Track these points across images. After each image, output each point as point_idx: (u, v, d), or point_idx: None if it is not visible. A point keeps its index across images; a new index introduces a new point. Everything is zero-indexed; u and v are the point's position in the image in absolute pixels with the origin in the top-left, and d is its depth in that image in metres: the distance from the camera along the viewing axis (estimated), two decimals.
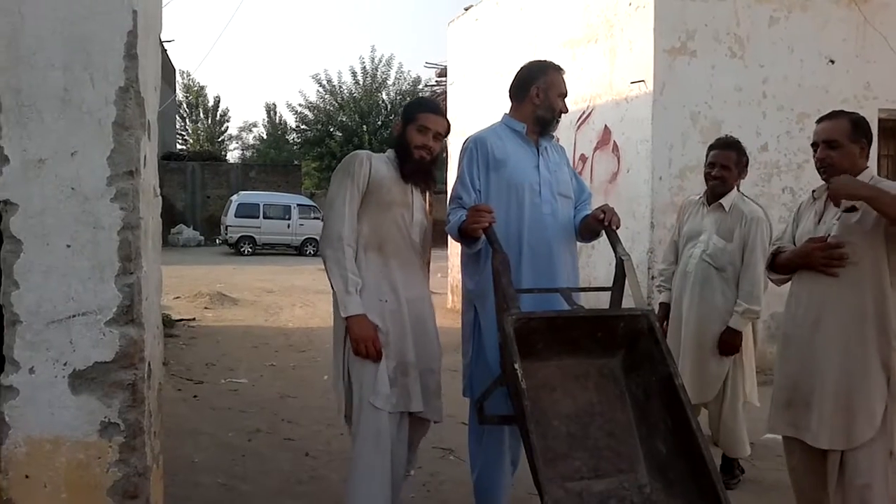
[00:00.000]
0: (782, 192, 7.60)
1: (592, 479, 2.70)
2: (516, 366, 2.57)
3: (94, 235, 2.39)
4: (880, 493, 2.93)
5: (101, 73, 2.38)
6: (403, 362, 3.16)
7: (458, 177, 3.44)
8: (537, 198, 3.37)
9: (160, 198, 2.88)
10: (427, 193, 3.46)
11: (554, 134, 3.59)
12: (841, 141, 2.98)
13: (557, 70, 3.51)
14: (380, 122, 35.37)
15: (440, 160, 3.77)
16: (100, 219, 2.39)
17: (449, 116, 13.74)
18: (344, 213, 3.11)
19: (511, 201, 3.36)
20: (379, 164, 3.23)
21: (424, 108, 3.36)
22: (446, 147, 11.70)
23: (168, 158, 32.14)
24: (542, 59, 3.65)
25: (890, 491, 2.98)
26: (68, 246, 2.39)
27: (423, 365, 3.25)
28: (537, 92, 3.43)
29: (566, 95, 3.50)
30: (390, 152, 3.35)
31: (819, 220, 3.10)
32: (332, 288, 3.11)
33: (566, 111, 3.51)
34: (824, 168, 3.04)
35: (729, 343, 4.18)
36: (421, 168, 3.28)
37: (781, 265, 3.21)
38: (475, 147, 3.43)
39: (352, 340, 3.08)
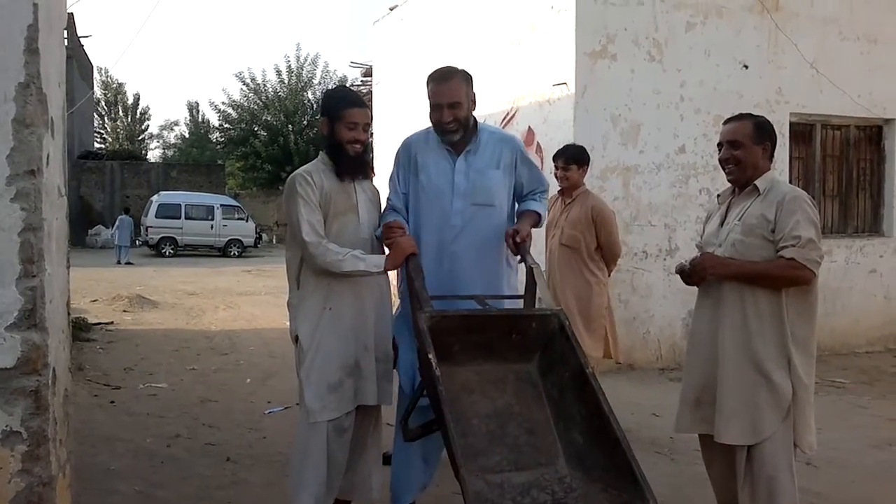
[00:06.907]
0: (699, 192, 7.82)
1: (513, 471, 2.74)
2: (430, 356, 2.61)
3: None
4: (786, 484, 3.01)
5: None
6: (348, 365, 3.23)
7: (390, 178, 3.55)
8: (448, 208, 3.40)
9: (65, 198, 2.78)
10: (371, 182, 3.47)
11: (479, 130, 3.45)
12: (743, 141, 3.13)
13: (432, 80, 3.41)
14: (305, 122, 35.06)
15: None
16: None
17: (374, 117, 13.52)
18: (303, 222, 3.14)
19: (421, 209, 3.45)
20: (318, 178, 3.24)
21: (348, 103, 3.33)
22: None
23: (86, 157, 31.23)
24: (443, 66, 3.52)
25: (796, 481, 3.07)
26: None
27: (379, 353, 3.32)
28: (429, 104, 3.44)
29: (446, 105, 3.34)
30: (322, 157, 3.35)
31: (722, 223, 3.21)
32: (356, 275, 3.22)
33: (444, 120, 3.35)
34: (729, 167, 3.18)
35: None
36: (358, 162, 3.32)
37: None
38: (402, 151, 3.56)
39: (402, 261, 3.22)
